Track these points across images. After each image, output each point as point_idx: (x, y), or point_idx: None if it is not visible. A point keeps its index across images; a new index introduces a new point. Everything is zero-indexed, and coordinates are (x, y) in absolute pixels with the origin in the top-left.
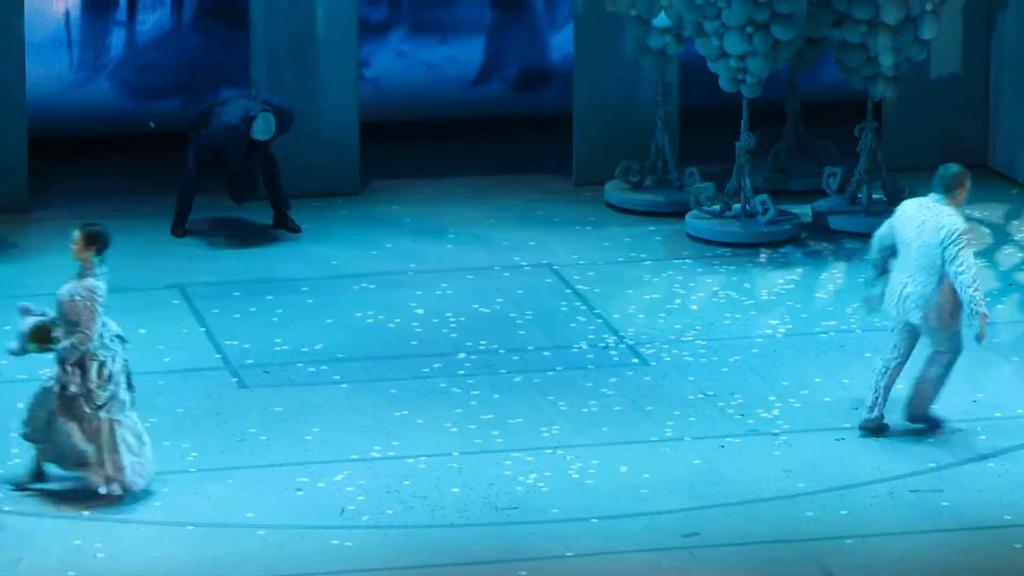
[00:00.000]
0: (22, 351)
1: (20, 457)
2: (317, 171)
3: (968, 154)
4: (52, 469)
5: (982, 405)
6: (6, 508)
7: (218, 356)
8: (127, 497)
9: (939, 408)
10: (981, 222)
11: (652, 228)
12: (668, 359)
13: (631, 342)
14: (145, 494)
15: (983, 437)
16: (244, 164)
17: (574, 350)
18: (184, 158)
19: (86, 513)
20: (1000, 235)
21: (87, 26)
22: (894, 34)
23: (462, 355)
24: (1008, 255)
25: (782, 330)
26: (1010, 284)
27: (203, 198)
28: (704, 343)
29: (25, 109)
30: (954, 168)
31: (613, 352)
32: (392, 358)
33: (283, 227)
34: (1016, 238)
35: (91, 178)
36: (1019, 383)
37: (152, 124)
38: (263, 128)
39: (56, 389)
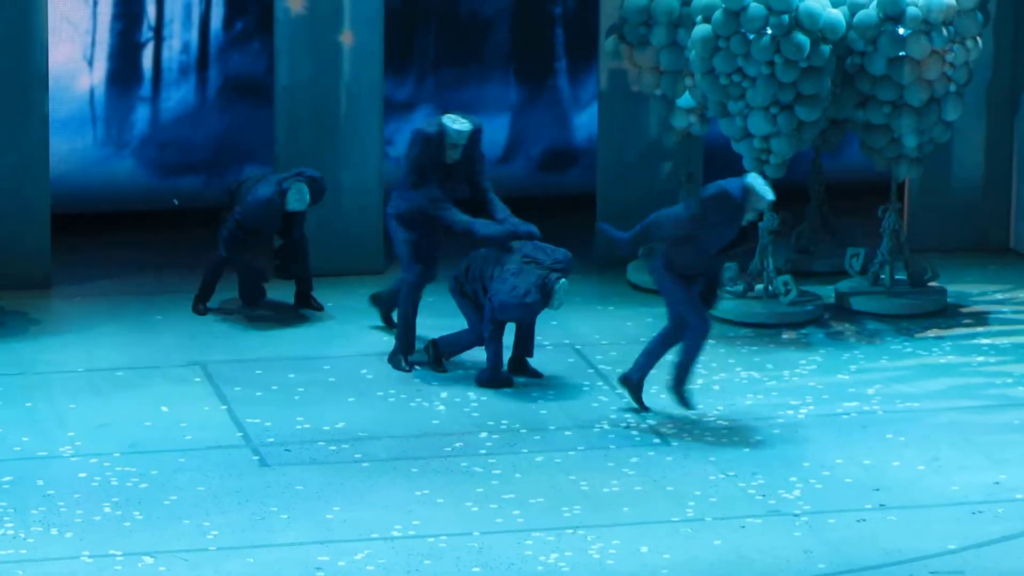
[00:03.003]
0: None
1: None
2: (341, 249)
3: (990, 236)
4: None
5: (1004, 487)
6: None
7: (239, 434)
8: (137, 572)
9: (958, 487)
10: (1004, 303)
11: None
12: (689, 439)
13: (652, 422)
14: (159, 570)
15: (1004, 518)
16: (288, 238)
17: (595, 430)
18: (218, 240)
19: None
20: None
21: (111, 102)
22: (918, 115)
23: (483, 434)
24: None
25: (804, 411)
26: None
27: (226, 276)
28: (726, 423)
29: (49, 185)
30: None
31: (635, 432)
32: (413, 437)
33: (306, 306)
34: None
35: (114, 254)
36: None
37: (176, 201)
38: (297, 198)
39: None
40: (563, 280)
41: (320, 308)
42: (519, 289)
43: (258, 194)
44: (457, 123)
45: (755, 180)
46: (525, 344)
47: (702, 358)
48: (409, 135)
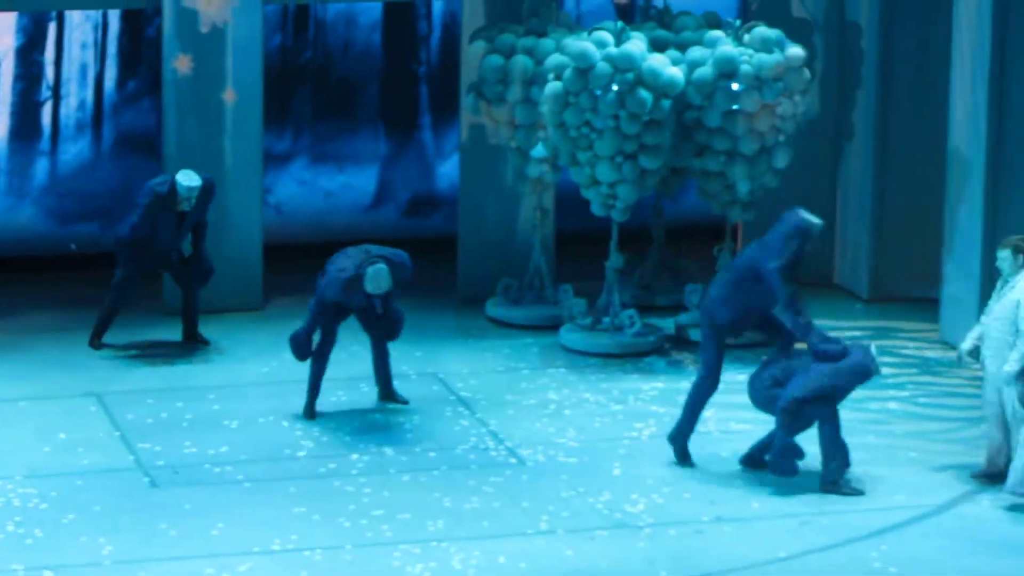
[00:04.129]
0: None
1: None
2: (224, 289)
3: (816, 271)
4: None
5: (828, 499)
6: None
7: (132, 458)
8: None
9: (787, 500)
10: (829, 332)
11: (530, 340)
12: (544, 460)
13: (510, 444)
14: None
15: (828, 529)
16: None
17: (458, 451)
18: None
19: None
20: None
21: (13, 156)
22: (750, 164)
23: (355, 456)
24: None
25: (647, 432)
26: None
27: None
28: (576, 445)
29: None
30: None
31: (494, 453)
32: (291, 459)
33: (193, 340)
34: None
35: (16, 295)
36: (864, 479)
37: (73, 246)
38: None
39: None
40: (380, 265)
41: (206, 343)
42: (344, 270)
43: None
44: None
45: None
46: (384, 373)
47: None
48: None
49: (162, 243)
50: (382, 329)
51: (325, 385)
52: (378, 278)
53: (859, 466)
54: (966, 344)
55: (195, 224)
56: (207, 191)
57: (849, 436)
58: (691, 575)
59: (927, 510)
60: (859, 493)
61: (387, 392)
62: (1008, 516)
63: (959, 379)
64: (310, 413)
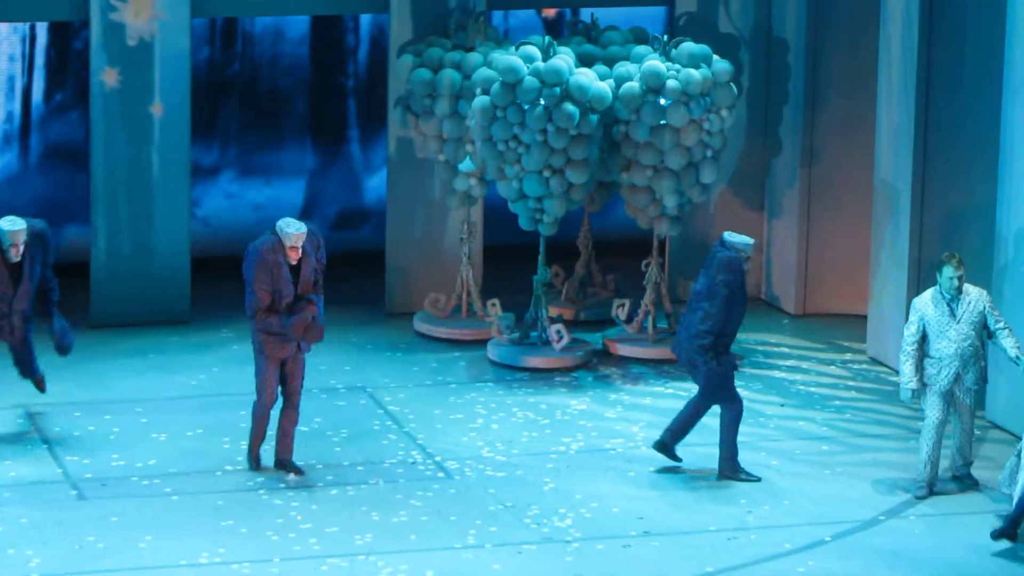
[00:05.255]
0: None
1: None
2: (151, 301)
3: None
4: None
5: (755, 516)
6: None
7: (59, 471)
8: None
9: (715, 517)
10: (756, 346)
11: (457, 354)
12: (471, 474)
13: (438, 458)
14: None
15: (756, 544)
16: None
17: (385, 465)
18: None
19: None
20: (774, 358)
21: None
22: (677, 178)
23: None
24: (780, 377)
25: (575, 447)
26: (782, 405)
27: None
28: (504, 459)
29: None
30: None
31: (421, 467)
32: (219, 473)
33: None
34: (787, 363)
35: None
36: (790, 494)
37: None
38: None
39: None
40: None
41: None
42: None
43: None
44: (11, 224)
45: (731, 235)
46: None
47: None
48: None
49: None
50: None
51: (249, 399)
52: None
53: (786, 479)
54: (913, 384)
55: (38, 284)
56: (38, 238)
57: (775, 452)
58: None
59: (853, 526)
60: (755, 479)
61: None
62: (933, 533)
63: (884, 395)
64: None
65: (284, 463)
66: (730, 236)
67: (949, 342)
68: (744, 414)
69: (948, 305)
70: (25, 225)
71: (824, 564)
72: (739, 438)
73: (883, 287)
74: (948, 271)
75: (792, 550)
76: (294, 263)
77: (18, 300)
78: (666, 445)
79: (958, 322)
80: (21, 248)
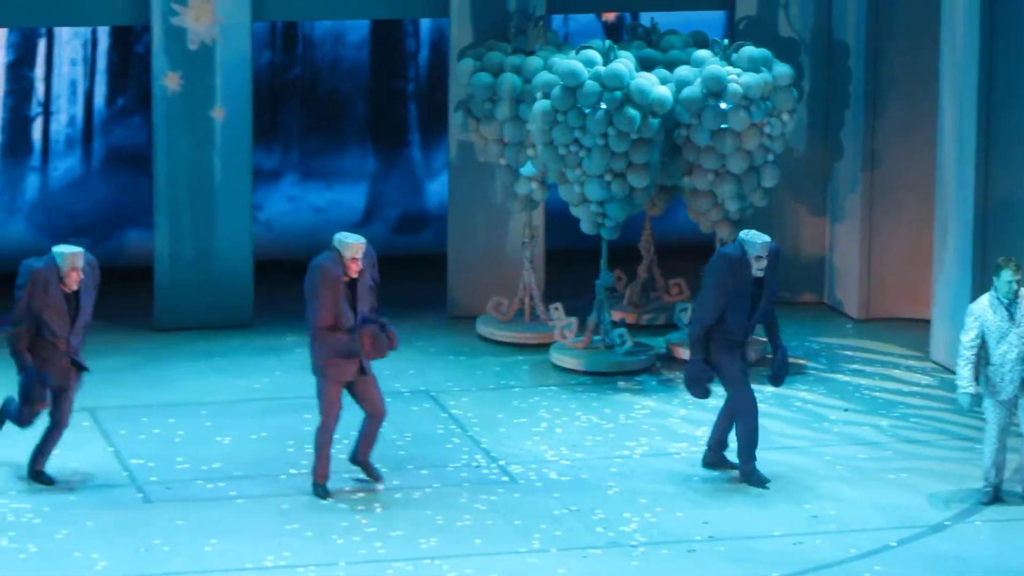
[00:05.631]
0: None
1: None
2: (214, 305)
3: (807, 292)
4: None
5: (821, 519)
6: None
7: (125, 474)
8: None
9: (780, 520)
10: (819, 352)
11: (520, 358)
12: (536, 478)
13: (502, 462)
14: None
15: (822, 549)
16: None
17: (450, 469)
18: None
19: None
20: (838, 363)
21: (4, 171)
22: (739, 182)
23: (347, 474)
24: (844, 382)
25: (639, 451)
26: (846, 410)
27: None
28: (569, 463)
29: None
30: None
31: (485, 471)
32: (284, 476)
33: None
34: (851, 367)
35: (5, 310)
36: (855, 500)
37: None
38: None
39: None
40: None
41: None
42: None
43: None
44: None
45: (746, 233)
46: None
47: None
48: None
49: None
50: None
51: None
52: None
53: (851, 484)
54: (971, 389)
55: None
56: (91, 267)
57: (840, 457)
58: None
59: (919, 531)
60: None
61: None
62: (999, 539)
63: (947, 401)
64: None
65: (364, 464)
66: (743, 234)
67: (1010, 346)
68: (805, 419)
69: (1007, 309)
70: (83, 250)
71: (890, 569)
72: (801, 443)
73: (946, 291)
74: (1006, 275)
75: (858, 555)
76: (355, 276)
77: (74, 335)
78: (713, 462)
79: (1018, 326)
80: (79, 275)
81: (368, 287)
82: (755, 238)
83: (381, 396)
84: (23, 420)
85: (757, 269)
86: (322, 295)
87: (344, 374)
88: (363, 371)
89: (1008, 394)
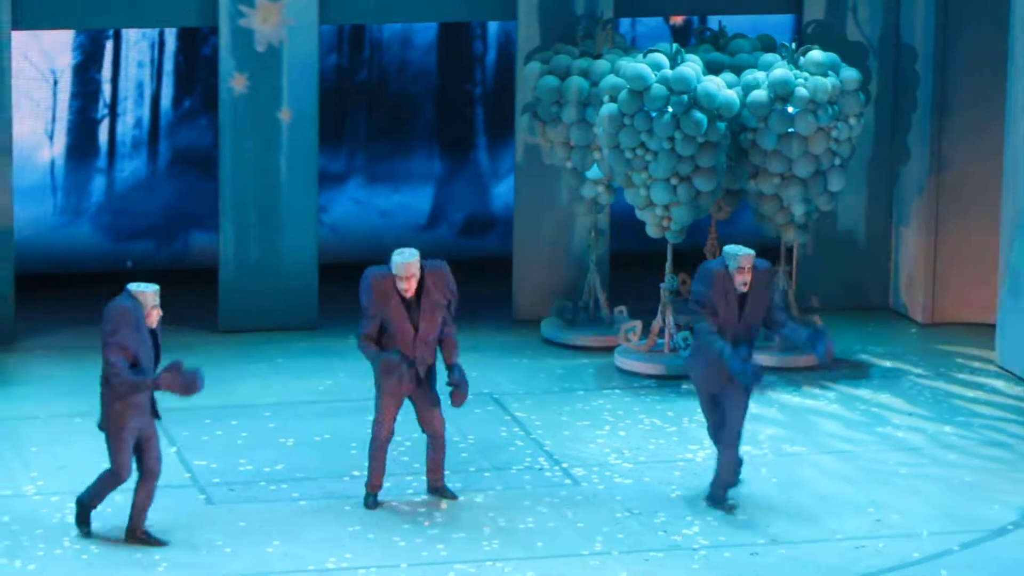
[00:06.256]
0: None
1: None
2: (279, 308)
3: (871, 296)
4: None
5: (884, 524)
6: None
7: (187, 475)
8: None
9: (842, 524)
10: (883, 356)
11: (585, 361)
12: (598, 480)
13: (565, 464)
14: None
15: (884, 553)
16: None
17: (512, 471)
18: None
19: None
20: (903, 366)
21: (70, 173)
22: (805, 186)
23: (410, 476)
24: (909, 386)
25: (701, 455)
26: (910, 414)
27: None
28: (631, 466)
29: (13, 249)
30: None
31: (548, 474)
32: (347, 478)
33: None
34: (915, 371)
35: (72, 312)
36: (918, 504)
37: (129, 263)
38: None
39: None
40: None
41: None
42: None
43: None
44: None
45: (729, 247)
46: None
47: (607, 406)
48: None
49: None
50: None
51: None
52: None
53: (914, 489)
54: None
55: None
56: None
57: (903, 462)
58: None
59: (981, 536)
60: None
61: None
62: None
63: (1013, 407)
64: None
65: (437, 489)
66: (727, 248)
67: None
68: (869, 422)
69: None
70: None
71: (954, 574)
72: (863, 446)
73: (1012, 296)
74: None
75: (920, 559)
76: (409, 296)
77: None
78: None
79: None
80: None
81: (434, 305)
82: (733, 249)
83: (437, 415)
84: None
85: (740, 283)
86: (369, 306)
87: (398, 389)
88: (420, 385)
89: None
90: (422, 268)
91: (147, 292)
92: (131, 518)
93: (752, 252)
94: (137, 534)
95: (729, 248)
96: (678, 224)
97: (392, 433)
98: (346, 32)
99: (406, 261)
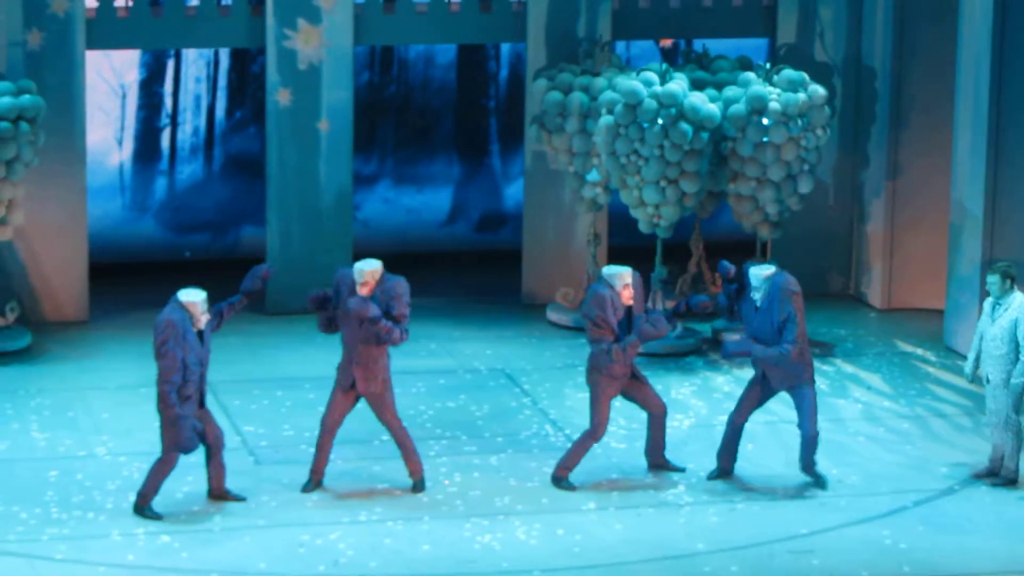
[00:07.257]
0: None
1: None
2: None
3: (835, 285)
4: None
5: (844, 484)
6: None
7: (238, 438)
8: (157, 547)
9: (808, 484)
10: (846, 338)
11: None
12: (596, 445)
13: (567, 431)
14: (175, 546)
15: (844, 509)
16: None
17: (522, 437)
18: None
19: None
20: (862, 347)
21: (136, 175)
22: (777, 189)
23: (432, 441)
24: (868, 363)
25: (687, 423)
26: (869, 388)
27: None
28: (625, 432)
29: (86, 241)
30: None
31: (553, 439)
32: (377, 442)
33: None
34: (873, 351)
35: (138, 295)
36: (875, 467)
37: (188, 253)
38: None
39: None
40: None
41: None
42: None
43: None
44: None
45: (607, 268)
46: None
47: None
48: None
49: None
50: None
51: (406, 377)
52: None
53: (872, 460)
54: (968, 369)
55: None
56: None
57: (862, 432)
58: (724, 548)
59: (931, 494)
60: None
61: None
62: (1005, 499)
63: (959, 385)
64: None
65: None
66: (605, 270)
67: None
68: (832, 395)
69: (992, 310)
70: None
71: (905, 529)
72: (827, 418)
73: (958, 286)
74: (987, 278)
75: (875, 515)
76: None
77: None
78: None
79: (991, 327)
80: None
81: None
82: (612, 270)
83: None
84: None
85: (627, 297)
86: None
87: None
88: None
89: (993, 384)
90: (382, 279)
91: (196, 302)
92: (210, 480)
93: (629, 269)
94: (219, 493)
95: (608, 270)
96: (667, 221)
97: (337, 424)
98: (377, 53)
99: (365, 269)
